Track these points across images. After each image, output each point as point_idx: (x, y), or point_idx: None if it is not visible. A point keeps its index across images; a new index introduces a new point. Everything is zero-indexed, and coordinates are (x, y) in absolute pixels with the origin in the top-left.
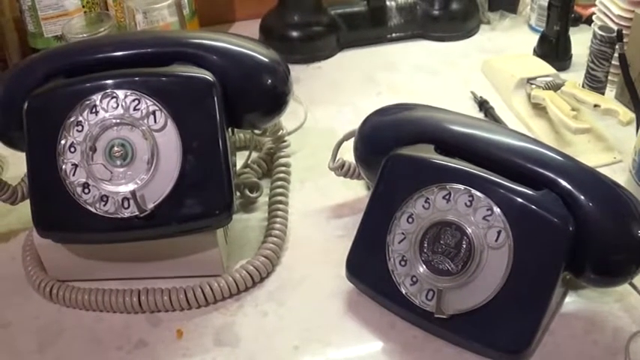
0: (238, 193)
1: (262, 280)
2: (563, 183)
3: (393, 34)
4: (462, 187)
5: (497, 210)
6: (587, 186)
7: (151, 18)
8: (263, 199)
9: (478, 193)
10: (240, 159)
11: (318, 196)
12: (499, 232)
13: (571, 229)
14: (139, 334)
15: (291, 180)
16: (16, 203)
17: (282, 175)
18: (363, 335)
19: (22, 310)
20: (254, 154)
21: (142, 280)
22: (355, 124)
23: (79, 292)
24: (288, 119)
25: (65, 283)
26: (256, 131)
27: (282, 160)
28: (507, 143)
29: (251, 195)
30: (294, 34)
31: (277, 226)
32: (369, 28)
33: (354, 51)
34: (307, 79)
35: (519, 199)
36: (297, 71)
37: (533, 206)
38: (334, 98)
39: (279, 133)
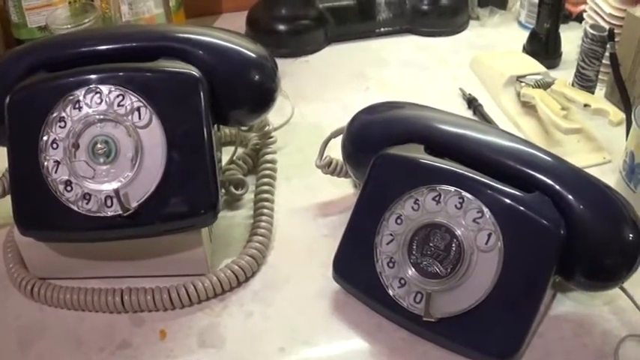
0: (223, 190)
1: (247, 279)
2: (555, 185)
3: (382, 29)
4: (452, 188)
5: (487, 212)
6: (579, 189)
7: (137, 9)
8: (248, 196)
9: (468, 195)
10: (225, 155)
11: (305, 194)
12: (489, 235)
13: (562, 232)
14: (122, 335)
15: (277, 177)
16: None
17: (268, 172)
18: (349, 337)
19: (3, 309)
20: (240, 150)
21: (126, 279)
22: (343, 120)
23: (60, 290)
24: (274, 115)
25: (47, 281)
26: (243, 127)
27: (268, 157)
28: (499, 144)
29: (236, 192)
30: (282, 27)
31: (263, 224)
32: (358, 23)
33: (342, 45)
34: (294, 74)
35: (510, 202)
36: (284, 65)
37: (524, 209)
38: (321, 93)
39: (266, 129)
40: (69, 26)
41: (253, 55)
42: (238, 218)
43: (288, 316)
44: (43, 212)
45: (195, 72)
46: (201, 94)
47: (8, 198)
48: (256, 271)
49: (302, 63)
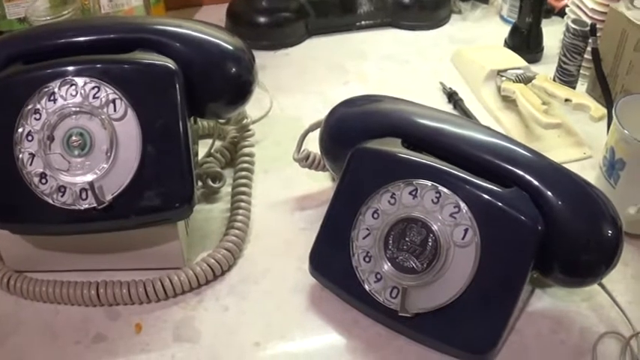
0: (200, 183)
1: (223, 273)
2: (533, 181)
3: (363, 22)
4: (429, 183)
5: (464, 207)
6: (557, 184)
7: (116, 1)
8: (226, 189)
9: (445, 190)
10: (203, 147)
11: (282, 187)
12: (466, 230)
13: (540, 228)
14: (98, 328)
15: (254, 170)
16: None
17: (245, 165)
18: (325, 331)
19: None
20: (217, 143)
21: (102, 272)
22: (322, 113)
23: (36, 283)
24: (253, 107)
25: (23, 274)
26: (220, 120)
27: (246, 150)
28: (476, 139)
29: (213, 185)
30: (262, 19)
31: (239, 217)
32: (339, 16)
33: (322, 38)
34: (274, 67)
35: (487, 197)
36: (263, 58)
37: (501, 204)
38: (301, 86)
39: (244, 122)
40: (48, 18)
41: (230, 48)
42: (215, 211)
43: (264, 310)
44: (18, 205)
45: (171, 64)
46: (177, 86)
47: None
48: (232, 265)
49: (282, 56)
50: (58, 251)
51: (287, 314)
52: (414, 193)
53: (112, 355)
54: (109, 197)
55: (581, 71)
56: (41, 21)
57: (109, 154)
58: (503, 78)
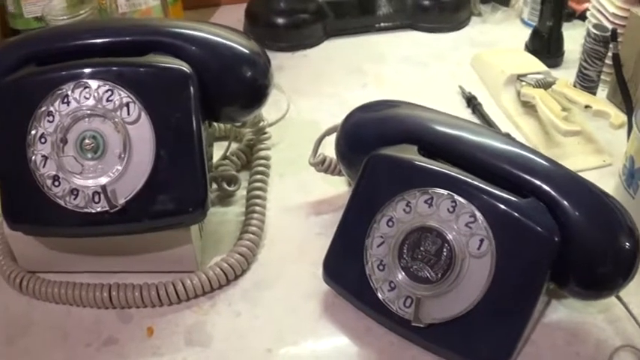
0: (215, 186)
1: (237, 277)
2: (550, 191)
3: (382, 24)
4: (444, 192)
5: (480, 217)
6: (575, 195)
7: (133, 1)
8: (241, 193)
9: (461, 199)
10: (219, 150)
11: (298, 192)
12: (482, 241)
13: (556, 239)
14: (109, 331)
15: (270, 173)
16: None
17: (261, 168)
18: (337, 339)
19: None
20: (233, 146)
21: (114, 275)
22: (339, 116)
23: (49, 284)
24: (269, 110)
25: (35, 274)
26: (236, 123)
27: (262, 153)
28: (494, 147)
29: (228, 188)
30: (280, 20)
31: (254, 222)
32: (357, 17)
33: (341, 40)
34: (292, 68)
35: (504, 207)
36: (281, 59)
37: (517, 214)
38: (318, 89)
39: (260, 125)
40: (65, 17)
41: (246, 51)
42: (230, 215)
43: (277, 316)
44: (31, 207)
45: (185, 67)
46: (192, 90)
47: None
48: (246, 270)
49: (300, 57)
50: (71, 253)
51: (300, 320)
52: (429, 201)
53: (123, 358)
54: (121, 201)
55: (601, 77)
56: (58, 20)
57: (122, 157)
58: (523, 83)
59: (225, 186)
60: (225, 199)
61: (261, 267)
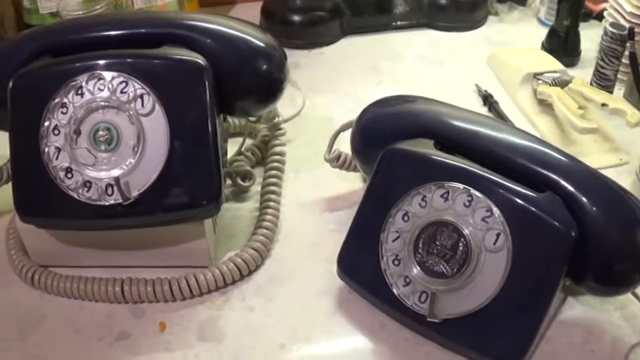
0: (230, 182)
1: (250, 273)
2: (567, 186)
3: (398, 22)
4: (461, 186)
5: (496, 211)
6: (593, 190)
7: None
8: (255, 188)
9: (477, 193)
10: (233, 145)
11: (313, 188)
12: (498, 235)
13: (573, 234)
14: (121, 325)
15: (285, 169)
16: (1, 184)
17: (276, 164)
18: (352, 335)
19: (2, 295)
20: (248, 141)
21: (127, 269)
22: (354, 113)
23: (61, 279)
24: (285, 106)
25: (47, 269)
26: (250, 118)
27: (277, 149)
28: (510, 142)
29: (243, 184)
30: (296, 18)
31: (268, 217)
32: (374, 15)
33: (357, 38)
34: (308, 65)
35: (520, 201)
36: (297, 57)
37: (534, 209)
38: (334, 86)
39: (275, 121)
40: (80, 12)
41: (261, 44)
42: (244, 210)
43: (291, 311)
44: (43, 199)
45: (200, 60)
46: (206, 82)
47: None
48: (260, 265)
49: (316, 55)
50: (84, 247)
51: (313, 316)
52: (445, 195)
53: (135, 353)
54: (135, 193)
55: (618, 76)
56: (73, 15)
57: (135, 149)
58: (540, 81)
59: (240, 182)
60: (240, 194)
61: (275, 263)
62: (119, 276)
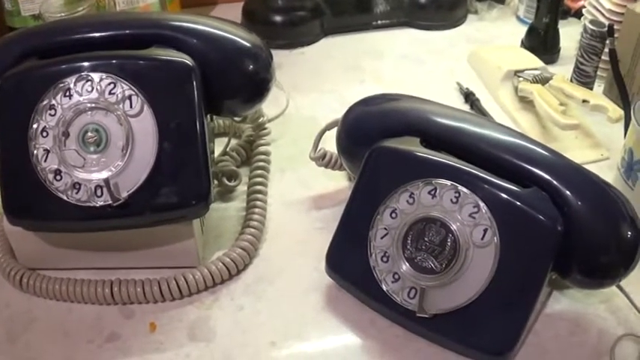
0: (216, 182)
1: (239, 272)
2: (553, 181)
3: (379, 22)
4: (448, 182)
5: (484, 207)
6: (577, 185)
7: None
8: (241, 188)
9: (465, 190)
10: (219, 146)
11: (299, 186)
12: (485, 230)
13: (559, 228)
14: (111, 327)
15: (270, 169)
16: None
17: (261, 163)
18: (342, 332)
19: None
20: (233, 141)
21: (116, 271)
22: (338, 112)
23: (49, 281)
24: (269, 106)
25: (36, 271)
26: (236, 118)
27: (262, 149)
28: (496, 138)
29: (229, 183)
30: (277, 18)
31: (255, 216)
32: (355, 15)
33: (338, 37)
34: (290, 65)
35: (507, 197)
36: (279, 57)
37: (520, 204)
38: (317, 85)
39: (260, 121)
40: (62, 14)
41: (248, 45)
42: (231, 210)
43: (280, 309)
44: (32, 201)
45: (188, 60)
46: (194, 83)
47: None
48: (248, 264)
49: (298, 55)
50: (72, 249)
51: (303, 314)
52: (432, 192)
53: (126, 354)
54: (124, 194)
55: (598, 72)
56: (56, 17)
57: (124, 150)
58: (521, 78)
59: (226, 181)
60: (226, 194)
61: (263, 261)
62: (108, 277)
